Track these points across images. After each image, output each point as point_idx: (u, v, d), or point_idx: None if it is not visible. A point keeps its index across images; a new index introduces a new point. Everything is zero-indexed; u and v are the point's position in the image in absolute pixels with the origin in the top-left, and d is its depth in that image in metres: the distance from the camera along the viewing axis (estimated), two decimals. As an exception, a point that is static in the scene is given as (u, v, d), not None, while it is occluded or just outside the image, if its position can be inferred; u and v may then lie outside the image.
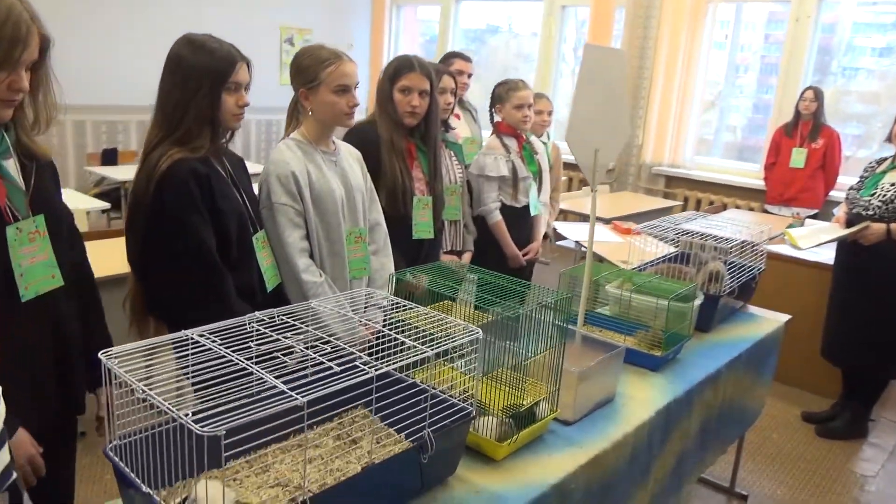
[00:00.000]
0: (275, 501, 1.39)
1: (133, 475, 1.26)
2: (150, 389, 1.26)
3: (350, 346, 1.39)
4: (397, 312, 1.70)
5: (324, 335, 1.46)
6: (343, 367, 1.33)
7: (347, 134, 2.71)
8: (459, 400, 1.60)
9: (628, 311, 2.55)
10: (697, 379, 2.30)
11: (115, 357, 1.30)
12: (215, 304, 1.80)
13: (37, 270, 1.46)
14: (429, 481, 1.56)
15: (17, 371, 1.47)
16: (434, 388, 1.60)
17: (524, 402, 1.79)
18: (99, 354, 1.28)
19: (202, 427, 1.07)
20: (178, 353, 1.40)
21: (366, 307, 1.76)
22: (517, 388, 1.80)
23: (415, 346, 1.48)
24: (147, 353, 1.35)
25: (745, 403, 2.77)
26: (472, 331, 1.55)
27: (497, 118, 3.61)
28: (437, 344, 1.49)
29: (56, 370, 1.61)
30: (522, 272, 3.58)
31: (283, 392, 1.20)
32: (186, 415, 1.10)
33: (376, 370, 1.32)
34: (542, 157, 3.73)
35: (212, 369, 1.36)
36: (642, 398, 2.13)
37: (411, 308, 1.71)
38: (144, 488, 1.23)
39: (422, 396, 1.50)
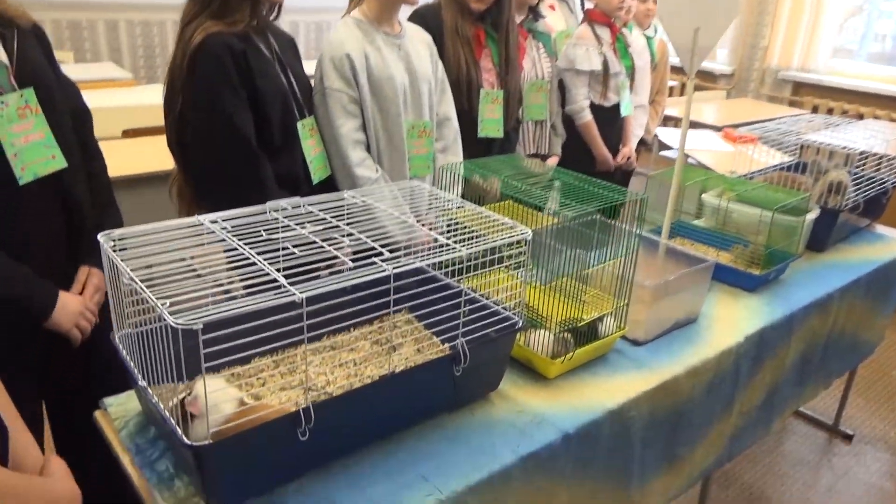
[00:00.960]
0: (286, 402, 1.28)
1: (133, 367, 1.17)
2: (154, 276, 1.14)
3: (373, 242, 1.22)
4: (444, 211, 1.51)
5: (349, 228, 1.29)
6: (361, 263, 1.16)
7: (410, 16, 2.45)
8: (505, 309, 1.41)
9: (725, 223, 2.23)
10: (802, 303, 1.99)
11: (120, 240, 1.19)
12: (253, 191, 1.66)
13: (32, 150, 1.35)
14: (465, 395, 1.40)
15: (23, 261, 1.40)
16: (474, 293, 1.41)
17: (585, 317, 1.58)
18: (98, 236, 1.17)
19: (178, 319, 0.94)
20: (194, 240, 1.27)
21: (411, 202, 1.57)
22: (579, 300, 1.58)
23: (450, 245, 1.28)
24: (160, 239, 1.23)
25: (858, 335, 2.41)
26: (521, 231, 1.34)
27: (589, 4, 3.21)
28: (474, 243, 1.29)
29: (68, 263, 1.53)
30: (613, 180, 3.27)
31: (283, 287, 1.05)
32: (164, 304, 0.97)
33: (395, 268, 1.14)
34: (639, 52, 3.32)
35: (218, 260, 1.23)
36: (731, 321, 1.85)
37: (463, 206, 1.51)
38: (141, 381, 1.13)
39: (459, 300, 1.32)
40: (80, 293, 1.53)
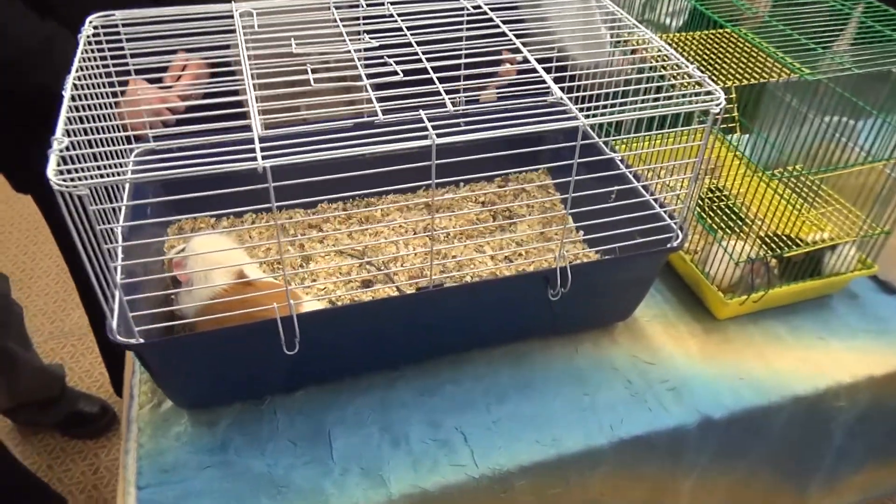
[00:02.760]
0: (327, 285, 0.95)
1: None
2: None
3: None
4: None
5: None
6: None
7: None
8: (663, 209, 0.90)
9: None
10: None
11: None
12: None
13: None
14: (567, 322, 0.96)
15: None
16: (626, 170, 0.91)
17: (807, 238, 1.00)
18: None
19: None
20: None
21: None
22: (807, 207, 0.99)
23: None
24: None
25: None
26: (707, 93, 0.77)
27: None
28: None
29: None
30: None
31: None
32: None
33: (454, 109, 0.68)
34: None
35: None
36: None
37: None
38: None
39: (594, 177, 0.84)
40: None
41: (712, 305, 1.02)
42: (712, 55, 0.98)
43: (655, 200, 0.93)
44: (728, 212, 1.08)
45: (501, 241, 1.09)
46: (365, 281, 1.01)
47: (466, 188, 1.20)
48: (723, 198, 1.12)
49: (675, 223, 0.88)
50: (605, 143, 1.04)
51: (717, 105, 0.76)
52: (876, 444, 1.08)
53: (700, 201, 1.14)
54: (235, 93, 0.86)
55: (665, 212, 0.91)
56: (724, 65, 0.95)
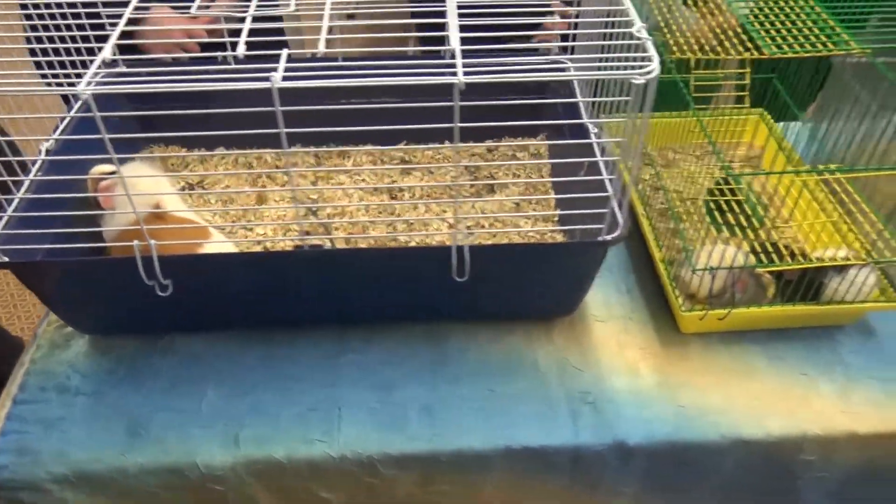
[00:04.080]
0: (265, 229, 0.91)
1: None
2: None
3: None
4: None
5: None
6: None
7: None
8: (596, 196, 0.77)
9: None
10: None
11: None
12: None
13: None
14: (490, 308, 0.86)
15: None
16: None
17: (813, 253, 0.82)
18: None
19: None
20: None
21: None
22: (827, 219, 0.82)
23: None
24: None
25: None
26: (647, 59, 0.63)
27: None
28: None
29: None
30: None
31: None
32: None
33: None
34: None
35: None
36: None
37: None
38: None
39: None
40: None
41: (676, 316, 0.87)
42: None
43: (610, 182, 0.79)
44: (727, 209, 0.92)
45: (469, 208, 1.00)
46: (305, 232, 0.96)
47: (452, 147, 1.10)
48: (729, 191, 0.95)
49: (608, 214, 0.74)
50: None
51: (646, 75, 0.61)
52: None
53: (709, 193, 0.98)
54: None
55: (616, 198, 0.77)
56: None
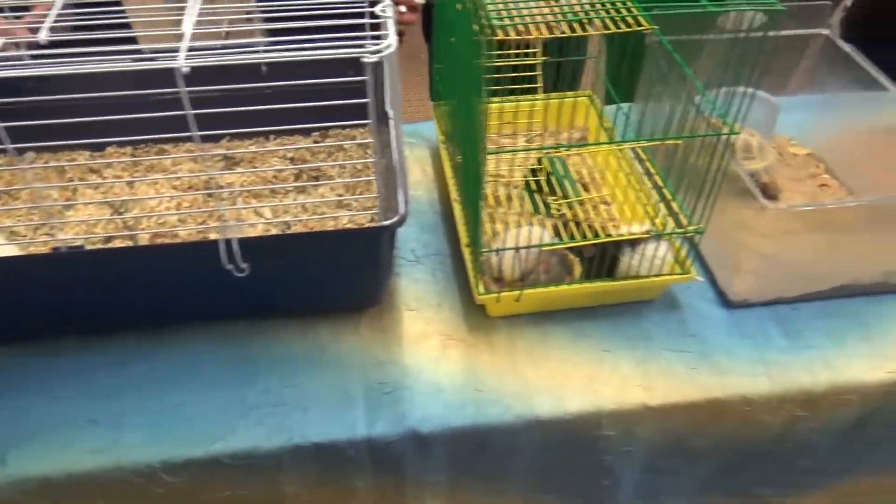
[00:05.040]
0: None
1: None
2: None
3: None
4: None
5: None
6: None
7: None
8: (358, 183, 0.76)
9: None
10: None
11: None
12: None
13: None
14: (284, 302, 0.83)
15: None
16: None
17: (606, 227, 0.82)
18: None
19: None
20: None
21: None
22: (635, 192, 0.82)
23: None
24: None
25: None
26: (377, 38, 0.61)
27: None
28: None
29: None
30: None
31: None
32: None
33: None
34: None
35: None
36: None
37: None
38: None
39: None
40: None
41: (479, 301, 0.86)
42: None
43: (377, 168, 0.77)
44: (548, 191, 0.91)
45: (288, 204, 0.97)
46: (109, 236, 0.92)
47: (277, 141, 1.08)
48: (539, 172, 0.95)
49: (379, 199, 0.73)
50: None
51: (377, 54, 0.60)
52: (688, 484, 0.90)
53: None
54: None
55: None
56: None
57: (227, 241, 0.70)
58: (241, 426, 0.74)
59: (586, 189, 1.03)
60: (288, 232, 0.86)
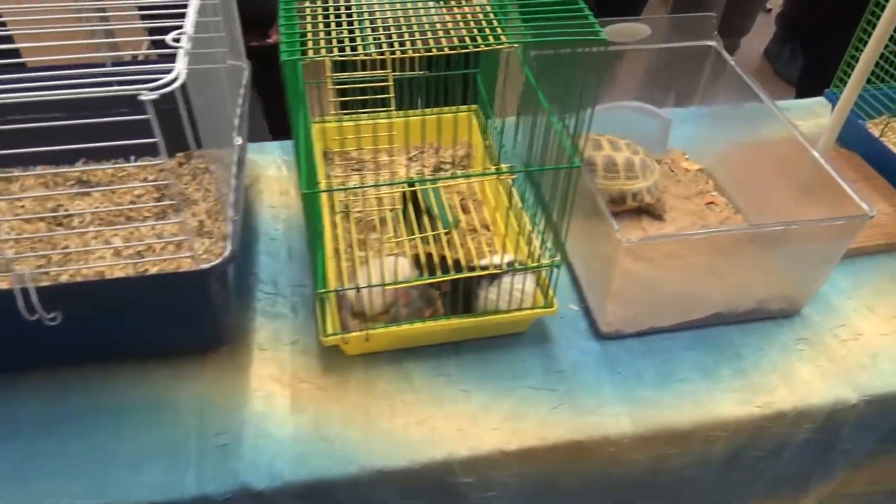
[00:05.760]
0: None
1: None
2: None
3: None
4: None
5: None
6: None
7: None
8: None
9: None
10: None
11: None
12: None
13: None
14: (107, 350, 0.77)
15: None
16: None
17: (463, 259, 0.77)
18: None
19: None
20: None
21: None
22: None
23: None
24: None
25: None
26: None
27: None
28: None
29: None
30: None
31: None
32: None
33: None
34: None
35: None
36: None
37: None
38: None
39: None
40: None
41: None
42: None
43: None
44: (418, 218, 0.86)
45: (138, 232, 0.90)
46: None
47: (141, 160, 1.01)
48: (407, 201, 0.90)
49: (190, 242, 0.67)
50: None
51: (158, 90, 0.54)
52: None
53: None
54: None
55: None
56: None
57: (24, 290, 0.64)
58: (52, 492, 0.68)
59: (465, 211, 0.99)
60: (102, 278, 0.79)
